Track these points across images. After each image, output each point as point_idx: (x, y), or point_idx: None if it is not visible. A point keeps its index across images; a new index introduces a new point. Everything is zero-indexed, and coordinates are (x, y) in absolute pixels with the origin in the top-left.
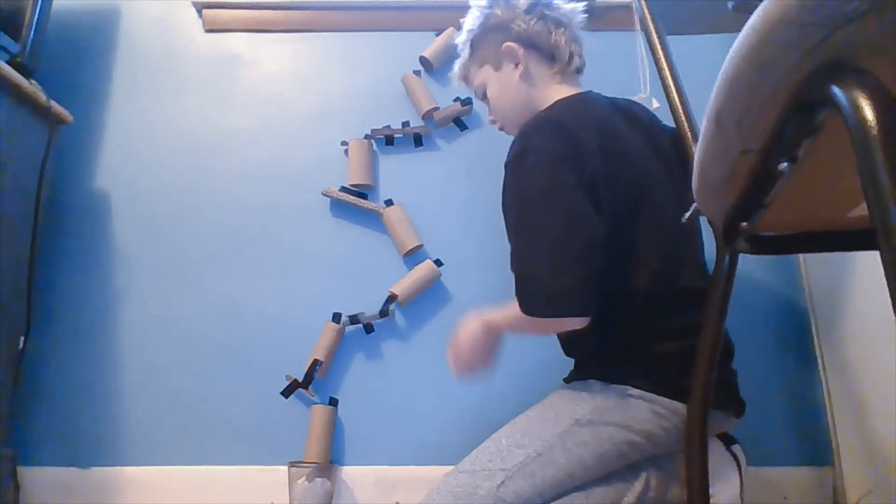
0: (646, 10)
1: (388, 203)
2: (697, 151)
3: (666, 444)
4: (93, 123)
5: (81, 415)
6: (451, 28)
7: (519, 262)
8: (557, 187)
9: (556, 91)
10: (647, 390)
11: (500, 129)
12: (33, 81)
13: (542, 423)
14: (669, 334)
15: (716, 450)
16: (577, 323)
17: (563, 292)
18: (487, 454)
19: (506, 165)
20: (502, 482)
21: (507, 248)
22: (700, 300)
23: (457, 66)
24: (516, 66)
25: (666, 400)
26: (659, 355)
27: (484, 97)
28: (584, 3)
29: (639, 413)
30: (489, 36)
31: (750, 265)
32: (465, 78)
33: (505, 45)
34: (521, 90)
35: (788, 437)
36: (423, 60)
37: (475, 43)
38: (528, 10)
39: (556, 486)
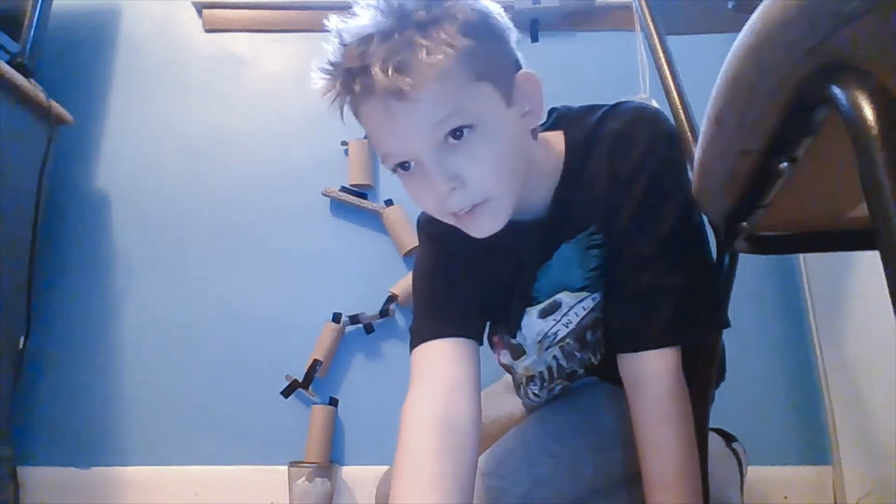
0: (646, 10)
1: (388, 203)
2: (697, 151)
3: None
4: (93, 123)
5: (81, 415)
6: None
7: (699, 276)
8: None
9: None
10: None
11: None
12: (33, 81)
13: (574, 429)
14: None
15: (716, 447)
16: None
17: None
18: (515, 458)
19: (656, 159)
20: (529, 489)
21: None
22: None
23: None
24: (524, 114)
25: None
26: None
27: (452, 135)
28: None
29: None
30: (493, 45)
31: (750, 265)
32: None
33: (526, 74)
34: (527, 146)
35: (788, 437)
36: None
37: (474, 45)
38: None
39: (579, 496)
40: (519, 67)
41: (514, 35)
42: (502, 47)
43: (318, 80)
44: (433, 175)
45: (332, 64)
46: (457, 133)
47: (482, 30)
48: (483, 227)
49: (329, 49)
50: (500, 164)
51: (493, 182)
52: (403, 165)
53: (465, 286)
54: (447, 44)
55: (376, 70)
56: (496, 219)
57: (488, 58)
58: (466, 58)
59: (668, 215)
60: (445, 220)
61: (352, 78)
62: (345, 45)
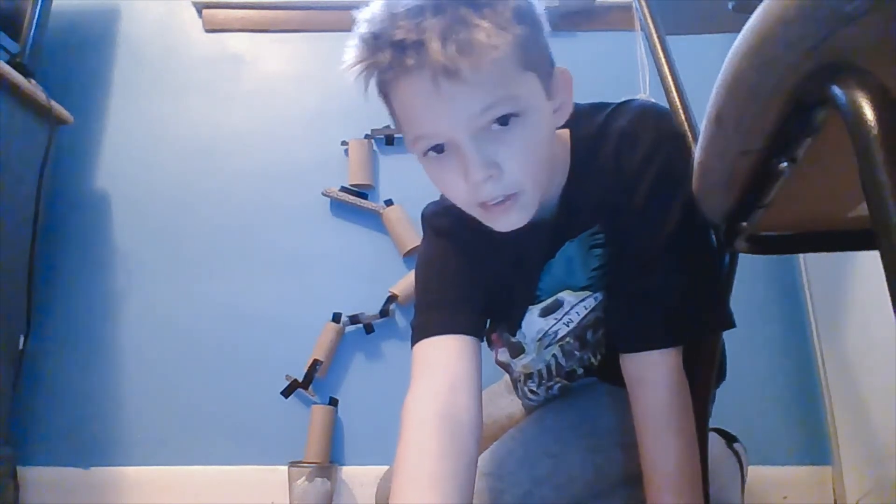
0: (646, 10)
1: (388, 203)
2: (697, 151)
3: None
4: (93, 123)
5: (81, 415)
6: None
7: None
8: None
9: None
10: None
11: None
12: (33, 81)
13: (573, 430)
14: None
15: (717, 447)
16: None
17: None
18: (515, 459)
19: (665, 171)
20: (528, 490)
21: None
22: None
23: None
24: (556, 110)
25: None
26: None
27: (499, 121)
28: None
29: None
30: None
31: (750, 265)
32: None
33: (561, 69)
34: (553, 142)
35: (788, 437)
36: None
37: (525, 32)
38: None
39: (578, 497)
40: (553, 62)
41: (547, 29)
42: (543, 39)
43: (352, 50)
44: (471, 161)
45: (375, 34)
46: (504, 120)
47: (529, 19)
48: (511, 220)
49: (368, 17)
50: (536, 157)
51: (527, 174)
52: (437, 148)
53: (470, 282)
54: (503, 28)
55: (433, 46)
56: (524, 213)
57: (535, 48)
58: (518, 45)
59: (672, 214)
60: (470, 211)
61: (401, 51)
62: (395, 15)
